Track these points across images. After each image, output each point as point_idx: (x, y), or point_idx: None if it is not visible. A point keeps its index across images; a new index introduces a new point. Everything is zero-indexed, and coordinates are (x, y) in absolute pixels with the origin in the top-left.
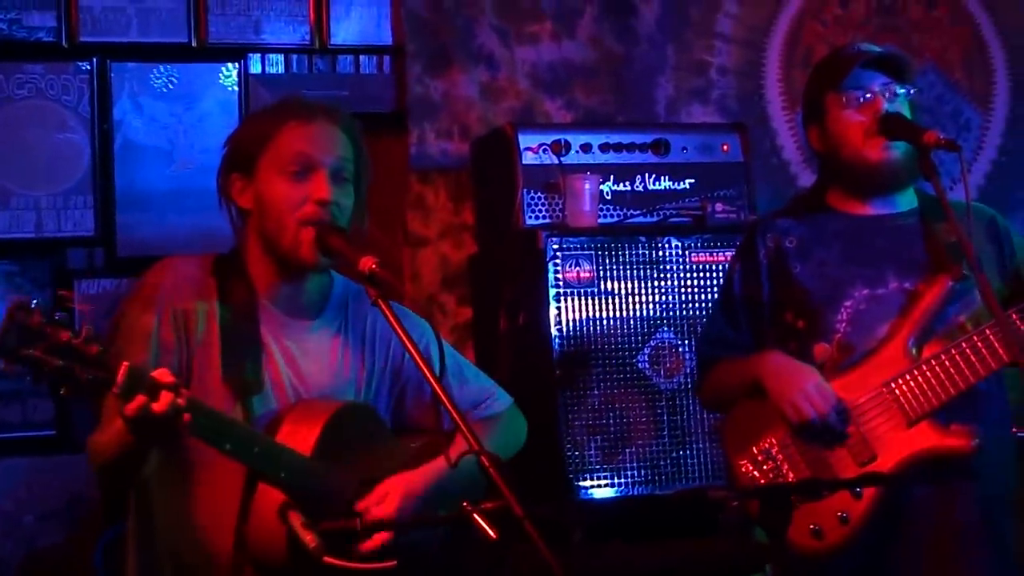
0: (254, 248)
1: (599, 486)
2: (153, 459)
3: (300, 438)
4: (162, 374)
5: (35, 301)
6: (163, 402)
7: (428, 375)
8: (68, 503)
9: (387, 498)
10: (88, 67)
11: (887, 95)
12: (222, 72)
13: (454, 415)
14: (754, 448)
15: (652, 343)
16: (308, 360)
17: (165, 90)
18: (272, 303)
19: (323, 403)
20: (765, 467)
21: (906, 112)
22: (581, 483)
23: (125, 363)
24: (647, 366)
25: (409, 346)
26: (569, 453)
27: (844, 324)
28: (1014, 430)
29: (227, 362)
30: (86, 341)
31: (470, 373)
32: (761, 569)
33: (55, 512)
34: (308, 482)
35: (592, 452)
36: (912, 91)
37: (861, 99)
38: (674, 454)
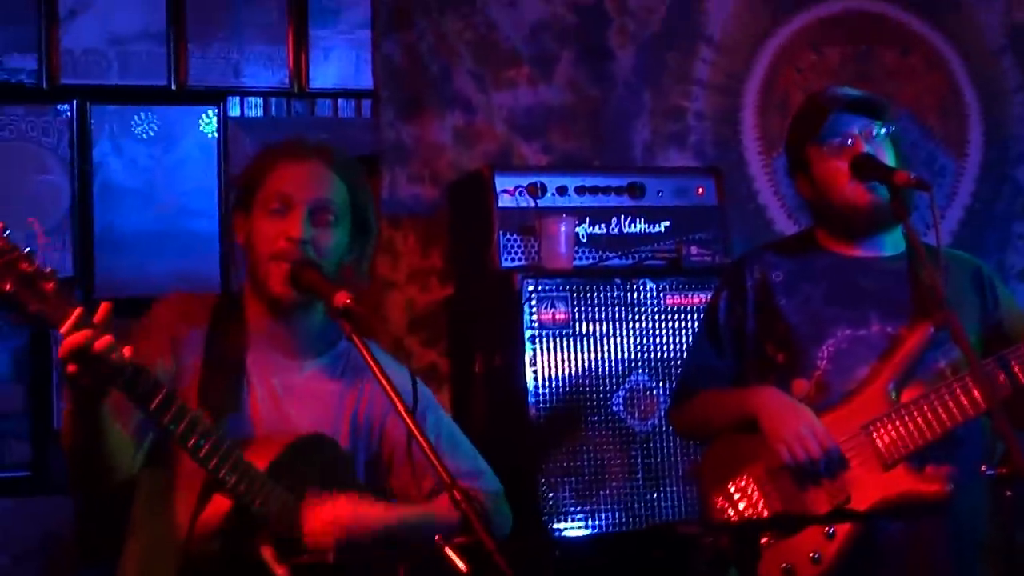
0: (248, 286)
1: (573, 528)
2: (140, 463)
3: (258, 454)
4: (103, 309)
5: (8, 231)
6: (106, 339)
7: (401, 408)
8: (44, 543)
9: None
10: (68, 109)
11: (865, 137)
12: (203, 118)
13: (425, 448)
14: (730, 484)
15: (627, 385)
16: (291, 399)
17: (145, 136)
18: (262, 340)
19: (285, 432)
20: (740, 505)
21: (889, 150)
22: (555, 524)
23: (80, 308)
24: (621, 408)
25: (382, 379)
26: (543, 494)
27: (824, 362)
28: (983, 468)
29: (205, 383)
30: (44, 276)
31: (465, 448)
32: None
33: (31, 552)
34: (251, 492)
35: (566, 494)
36: (891, 129)
37: (841, 146)
38: (648, 496)
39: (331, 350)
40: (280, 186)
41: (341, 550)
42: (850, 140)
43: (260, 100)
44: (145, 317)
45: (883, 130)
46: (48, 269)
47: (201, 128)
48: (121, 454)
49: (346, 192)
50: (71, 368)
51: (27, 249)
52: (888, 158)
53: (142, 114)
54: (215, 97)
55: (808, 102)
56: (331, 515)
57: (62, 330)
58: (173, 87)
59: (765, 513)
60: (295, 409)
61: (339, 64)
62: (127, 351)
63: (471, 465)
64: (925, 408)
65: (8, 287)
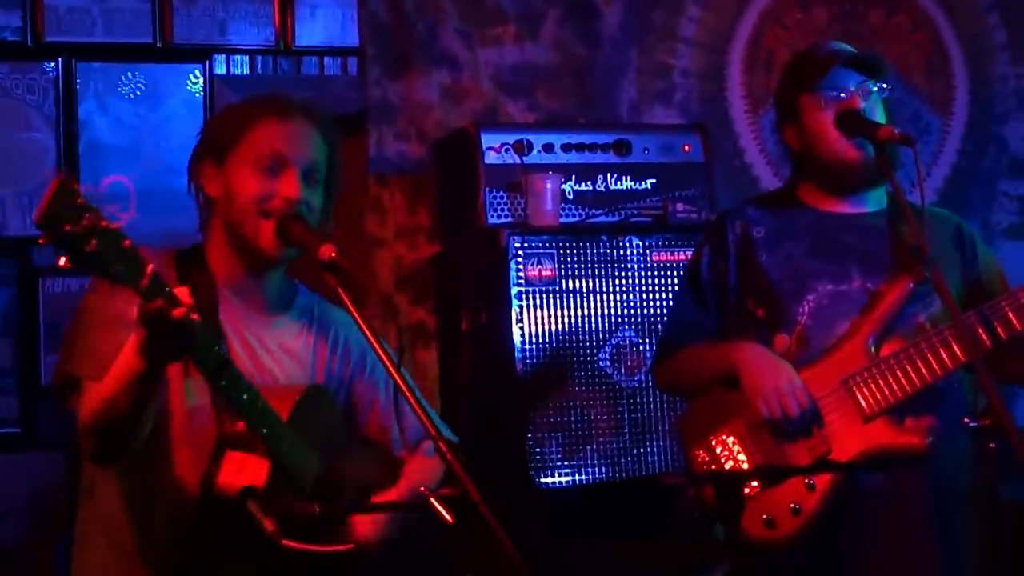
0: (218, 238)
1: (561, 484)
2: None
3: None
4: (182, 292)
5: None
6: (180, 311)
7: (387, 364)
8: (31, 500)
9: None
10: (53, 67)
11: (861, 93)
12: (190, 78)
13: (411, 401)
14: (712, 439)
15: (613, 341)
16: (268, 355)
17: (132, 96)
18: (233, 294)
19: (290, 386)
20: (721, 458)
21: (880, 110)
22: (543, 479)
23: (151, 264)
24: (608, 364)
25: (368, 333)
26: (531, 450)
27: (805, 317)
28: (965, 420)
29: None
30: (123, 233)
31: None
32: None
33: (18, 509)
34: (283, 447)
35: (554, 449)
36: (886, 88)
37: (836, 100)
38: (635, 451)
39: (292, 306)
40: (273, 144)
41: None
42: (845, 95)
43: (246, 58)
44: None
45: (876, 88)
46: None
47: (189, 87)
48: (149, 423)
49: (326, 152)
50: (145, 332)
51: (96, 206)
52: (879, 117)
53: (129, 73)
54: (200, 55)
55: (806, 53)
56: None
57: (142, 286)
58: (158, 44)
59: (746, 466)
60: (272, 363)
61: (325, 22)
62: (196, 316)
63: (434, 419)
64: (904, 362)
65: (92, 245)
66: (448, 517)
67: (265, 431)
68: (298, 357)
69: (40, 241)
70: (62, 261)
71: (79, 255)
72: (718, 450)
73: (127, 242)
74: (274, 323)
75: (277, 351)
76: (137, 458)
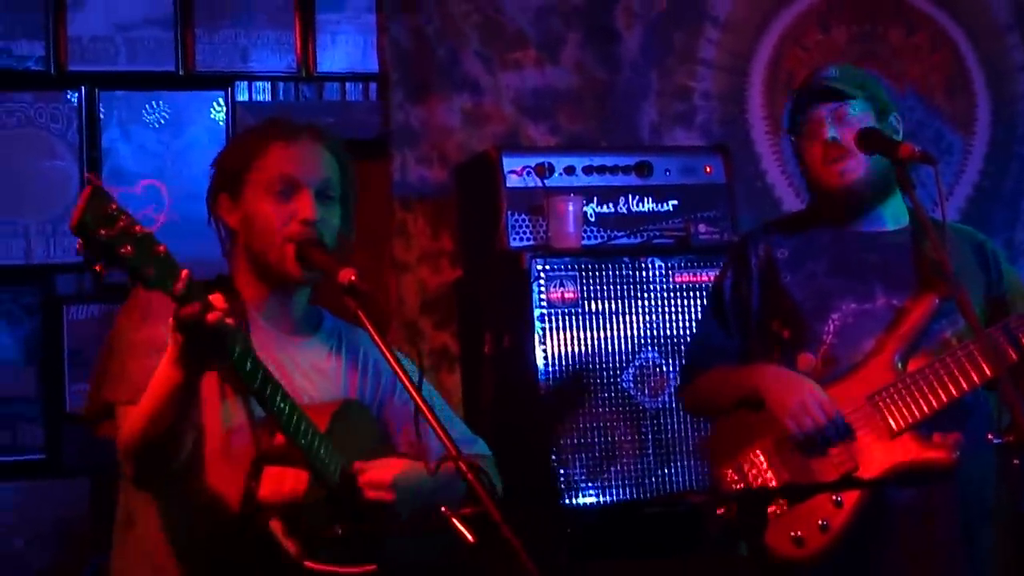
0: (242, 266)
1: (585, 505)
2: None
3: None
4: (217, 298)
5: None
6: (215, 314)
7: (407, 384)
8: (57, 527)
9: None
10: (77, 95)
11: (833, 119)
12: (214, 106)
13: (432, 422)
14: (740, 458)
15: (636, 363)
16: (300, 375)
17: (156, 126)
18: (262, 318)
19: (326, 402)
20: (750, 476)
21: (871, 118)
22: (568, 500)
23: (185, 270)
24: (631, 385)
25: (388, 354)
26: (556, 471)
27: (831, 336)
28: (989, 437)
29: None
30: (156, 240)
31: (456, 420)
32: None
33: (44, 536)
34: (321, 457)
35: (578, 470)
36: (866, 96)
37: (812, 133)
38: (659, 471)
39: (320, 329)
40: (282, 168)
41: (403, 510)
42: (815, 124)
43: (268, 85)
44: (131, 301)
45: (856, 106)
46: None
47: (212, 116)
48: (189, 440)
49: (338, 169)
50: (182, 338)
51: (129, 212)
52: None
53: (153, 102)
54: (223, 82)
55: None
56: (390, 475)
57: (176, 291)
58: (180, 72)
59: (774, 484)
60: (305, 382)
61: (346, 48)
62: (231, 320)
63: (466, 434)
64: (931, 377)
65: (128, 250)
66: (469, 537)
67: (303, 441)
68: (329, 377)
69: (77, 248)
70: (98, 268)
71: (114, 260)
72: (746, 468)
73: (161, 247)
74: (304, 344)
75: (309, 371)
76: (176, 482)
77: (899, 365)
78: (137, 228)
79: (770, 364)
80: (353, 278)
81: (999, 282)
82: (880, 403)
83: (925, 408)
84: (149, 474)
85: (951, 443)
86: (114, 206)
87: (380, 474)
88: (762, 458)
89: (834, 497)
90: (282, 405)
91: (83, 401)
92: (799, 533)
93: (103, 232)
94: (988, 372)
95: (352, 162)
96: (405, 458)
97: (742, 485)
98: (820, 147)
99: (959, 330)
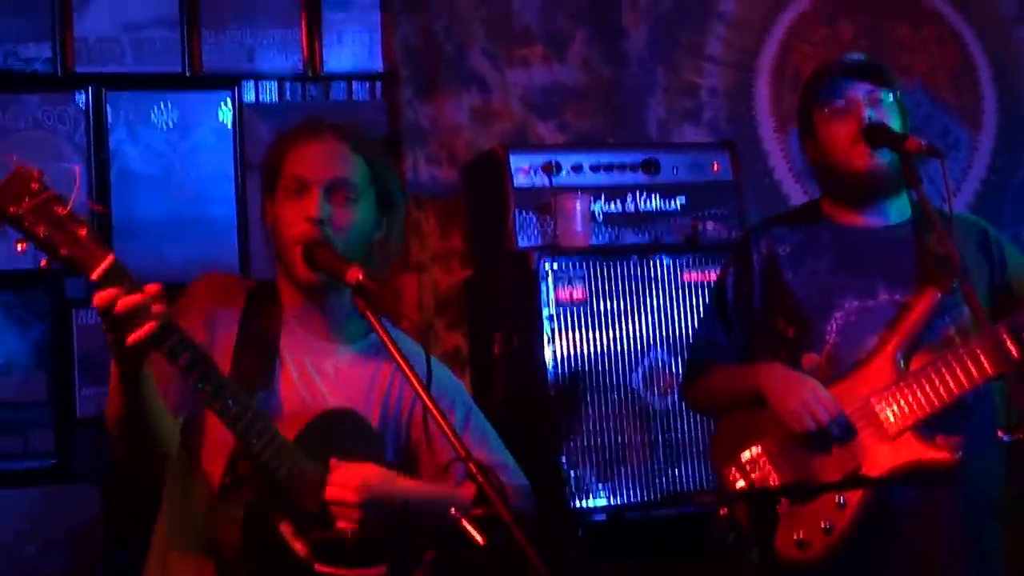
0: (278, 270)
1: (597, 508)
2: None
3: (288, 426)
4: (151, 287)
5: (44, 174)
6: (132, 299)
7: (415, 382)
8: (69, 533)
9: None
10: (84, 97)
11: (869, 102)
12: (221, 107)
13: (441, 423)
14: (742, 457)
15: (645, 362)
16: (324, 380)
17: (165, 128)
18: (296, 322)
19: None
20: (753, 475)
21: (895, 116)
22: (578, 503)
23: (111, 256)
24: (641, 385)
25: (397, 355)
26: (565, 472)
27: (833, 335)
28: (1000, 434)
29: (237, 359)
30: (77, 220)
31: (494, 442)
32: None
33: (56, 542)
34: (277, 460)
35: (588, 471)
36: (897, 94)
37: (844, 109)
38: (669, 472)
39: (365, 339)
40: (295, 168)
41: (365, 513)
42: (851, 104)
43: (274, 84)
44: (182, 292)
45: (890, 96)
46: (82, 215)
47: (220, 117)
48: (163, 427)
49: (366, 167)
50: (103, 325)
51: (59, 193)
52: (894, 125)
53: (161, 104)
54: (229, 82)
55: (816, 68)
56: (359, 476)
57: (92, 277)
58: (187, 73)
59: (776, 484)
60: (327, 389)
61: (353, 47)
62: (157, 307)
63: (498, 458)
64: (933, 376)
65: (41, 231)
66: (479, 539)
67: (254, 442)
68: (355, 385)
69: None
70: (18, 244)
71: (29, 237)
72: (748, 467)
73: (82, 230)
74: (337, 350)
75: (333, 376)
76: (177, 473)
77: (901, 363)
78: (57, 208)
79: (772, 363)
80: (360, 277)
81: (1004, 269)
82: (882, 402)
83: (927, 407)
84: (126, 454)
85: (954, 443)
86: (35, 185)
87: (348, 474)
88: (764, 458)
89: (837, 499)
90: (230, 403)
91: (95, 405)
92: (802, 535)
93: (12, 209)
94: (990, 370)
95: (389, 163)
96: (389, 468)
97: (744, 484)
98: (854, 126)
99: (962, 325)
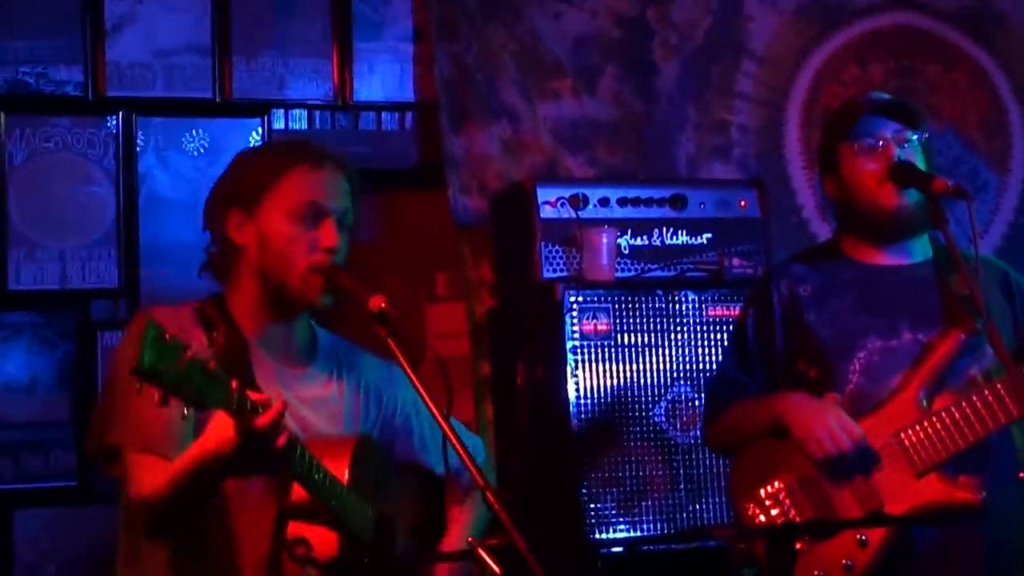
0: (246, 287)
1: (616, 540)
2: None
3: (333, 469)
4: (259, 396)
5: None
6: (265, 419)
7: (435, 412)
8: (90, 553)
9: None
10: (114, 121)
11: (898, 141)
12: (253, 134)
13: (459, 450)
14: (761, 492)
15: (668, 397)
16: (306, 408)
17: (196, 154)
18: (263, 348)
19: (339, 437)
20: (772, 511)
21: (920, 158)
22: (598, 535)
23: (234, 381)
24: (663, 419)
25: (417, 384)
26: (586, 505)
27: (857, 375)
28: (1021, 476)
29: None
30: (202, 360)
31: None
32: None
33: (77, 563)
34: (348, 514)
35: (609, 504)
36: (924, 136)
37: (872, 147)
38: (690, 507)
39: (317, 353)
40: (309, 193)
41: None
42: (881, 142)
43: (304, 113)
44: (126, 341)
45: (915, 136)
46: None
47: (250, 144)
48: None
49: (351, 200)
50: (239, 439)
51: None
52: (920, 165)
53: (193, 130)
54: (259, 110)
55: (844, 103)
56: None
57: (233, 407)
58: (218, 100)
59: (797, 520)
60: (310, 414)
61: (383, 77)
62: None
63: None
64: (957, 415)
65: (189, 386)
66: (496, 568)
67: (333, 503)
68: (332, 406)
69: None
70: (156, 397)
71: (174, 391)
72: (767, 502)
73: (212, 364)
74: (305, 375)
75: (312, 402)
76: (190, 528)
77: (924, 403)
78: (190, 355)
79: (792, 392)
80: (383, 305)
81: None
82: (905, 441)
83: (951, 447)
84: (167, 529)
85: (976, 484)
86: (168, 338)
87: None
88: (783, 493)
89: (859, 536)
90: (316, 477)
91: (86, 438)
92: (823, 573)
93: (162, 368)
94: (1015, 412)
95: (361, 196)
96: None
97: (764, 519)
98: (882, 164)
99: (985, 367)
